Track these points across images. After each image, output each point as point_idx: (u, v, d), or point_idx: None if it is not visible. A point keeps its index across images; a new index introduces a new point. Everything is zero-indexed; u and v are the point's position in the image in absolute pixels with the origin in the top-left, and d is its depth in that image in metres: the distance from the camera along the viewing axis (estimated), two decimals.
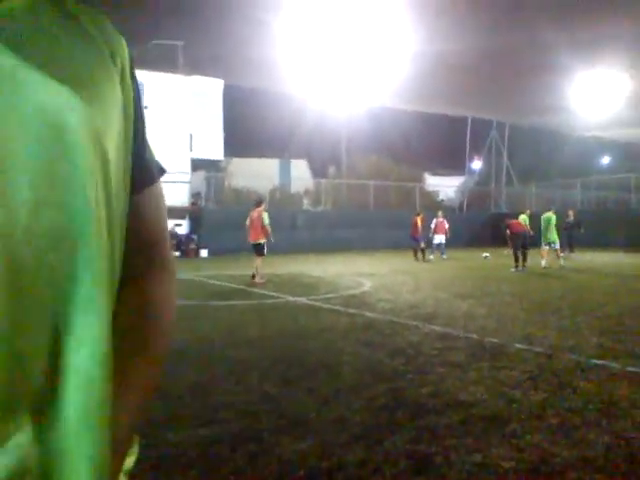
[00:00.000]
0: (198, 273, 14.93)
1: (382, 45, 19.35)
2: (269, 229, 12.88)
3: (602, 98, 24.66)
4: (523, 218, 18.41)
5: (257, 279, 12.74)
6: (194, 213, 26.69)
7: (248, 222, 13.18)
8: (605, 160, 47.57)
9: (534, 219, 17.63)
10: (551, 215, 16.92)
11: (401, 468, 3.09)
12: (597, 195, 30.97)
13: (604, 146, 42.52)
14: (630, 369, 5.06)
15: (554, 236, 16.67)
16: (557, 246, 16.77)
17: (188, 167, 27.33)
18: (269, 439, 3.48)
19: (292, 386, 4.61)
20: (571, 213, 21.38)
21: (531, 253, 16.04)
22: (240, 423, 3.76)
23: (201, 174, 28.07)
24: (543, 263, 16.37)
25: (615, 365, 5.20)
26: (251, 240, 13.06)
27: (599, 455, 3.22)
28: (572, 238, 20.73)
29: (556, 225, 16.85)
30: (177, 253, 25.36)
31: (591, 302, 9.39)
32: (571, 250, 20.88)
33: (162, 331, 0.74)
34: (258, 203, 13.47)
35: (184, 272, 15.44)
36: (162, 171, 0.81)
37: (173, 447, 3.36)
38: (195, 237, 25.78)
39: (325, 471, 3.06)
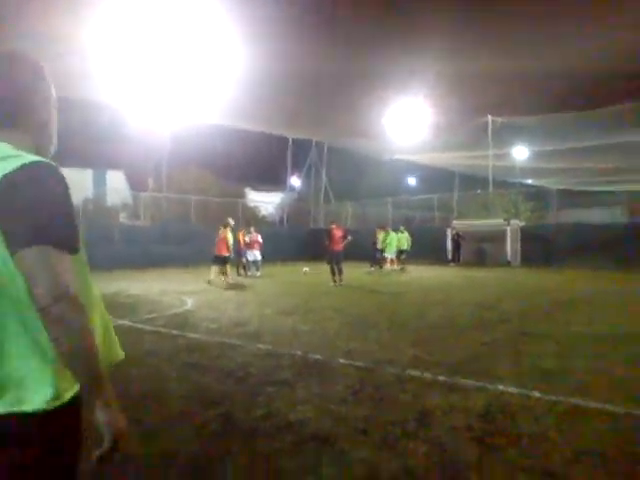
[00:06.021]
0: None
1: (208, 62, 19.22)
2: (231, 245, 16.74)
3: (410, 126, 26.99)
4: (383, 235, 22.39)
5: (229, 280, 16.41)
6: None
7: (217, 239, 16.73)
8: (412, 181, 52.19)
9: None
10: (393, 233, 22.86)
11: None
12: (406, 213, 33.87)
13: (412, 169, 46.54)
14: (440, 378, 5.52)
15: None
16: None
17: None
18: None
19: None
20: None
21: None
22: None
23: None
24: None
25: (428, 375, 5.64)
26: (217, 253, 16.52)
27: (419, 464, 3.46)
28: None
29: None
30: None
31: (404, 315, 10.09)
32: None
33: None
34: (225, 225, 16.93)
35: None
36: (31, 241, 1.31)
37: None
38: None
39: None
